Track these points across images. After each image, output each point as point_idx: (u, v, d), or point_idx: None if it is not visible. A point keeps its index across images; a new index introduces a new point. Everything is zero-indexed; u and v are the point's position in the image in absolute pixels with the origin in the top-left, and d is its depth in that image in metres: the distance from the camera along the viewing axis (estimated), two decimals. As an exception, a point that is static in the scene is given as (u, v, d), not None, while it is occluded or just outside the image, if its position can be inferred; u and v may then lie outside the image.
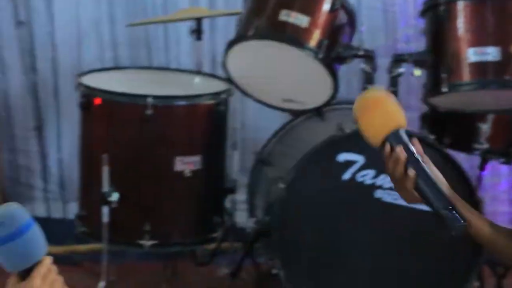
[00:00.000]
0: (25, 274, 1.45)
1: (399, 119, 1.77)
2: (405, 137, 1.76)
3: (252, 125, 4.04)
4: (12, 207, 1.44)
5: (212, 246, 3.50)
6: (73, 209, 3.92)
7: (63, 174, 4.10)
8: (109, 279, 3.38)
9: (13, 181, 4.11)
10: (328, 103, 3.25)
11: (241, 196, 3.62)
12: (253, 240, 3.28)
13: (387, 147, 1.77)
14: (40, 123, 4.05)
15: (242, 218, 3.68)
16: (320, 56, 3.05)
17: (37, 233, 1.44)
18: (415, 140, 1.79)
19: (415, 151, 1.76)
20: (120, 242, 3.28)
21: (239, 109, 3.99)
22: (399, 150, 1.75)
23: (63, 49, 3.97)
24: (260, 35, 3.11)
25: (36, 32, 3.95)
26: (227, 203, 3.45)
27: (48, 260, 1.47)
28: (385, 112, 1.77)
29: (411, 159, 1.74)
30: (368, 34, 3.59)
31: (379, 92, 1.81)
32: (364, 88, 3.09)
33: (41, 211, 4.00)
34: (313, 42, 3.06)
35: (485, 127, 3.23)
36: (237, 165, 3.50)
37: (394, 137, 1.76)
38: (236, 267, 3.34)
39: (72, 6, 3.94)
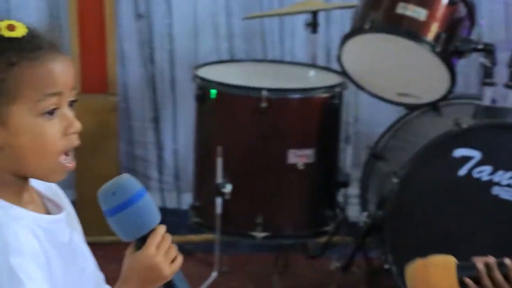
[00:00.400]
0: (141, 243, 1.47)
1: (447, 261, 1.77)
2: (468, 263, 1.78)
3: (365, 119, 4.01)
4: (124, 177, 1.45)
5: (323, 239, 3.50)
6: (187, 200, 3.98)
7: (178, 165, 4.15)
8: (221, 269, 3.41)
9: (130, 172, 4.19)
10: (444, 98, 3.20)
11: (353, 190, 3.60)
12: (365, 234, 3.26)
13: (467, 281, 1.75)
14: (157, 114, 4.11)
15: (354, 212, 3.66)
16: (438, 49, 3.01)
17: (149, 202, 1.45)
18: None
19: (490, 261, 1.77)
20: (232, 233, 3.31)
21: (352, 103, 3.96)
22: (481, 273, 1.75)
23: (180, 41, 4.03)
24: (377, 28, 3.09)
25: (155, 25, 4.01)
26: (340, 197, 3.44)
27: (162, 229, 1.47)
28: (438, 271, 1.77)
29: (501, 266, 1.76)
30: (488, 27, 3.51)
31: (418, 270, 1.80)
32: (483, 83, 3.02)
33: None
34: (430, 35, 3.01)
35: None
36: (350, 159, 3.48)
37: (463, 270, 1.77)
38: (348, 261, 3.33)
39: (190, -1, 4.00)
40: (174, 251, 1.48)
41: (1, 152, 1.40)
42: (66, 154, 1.44)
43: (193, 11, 3.98)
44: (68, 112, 1.43)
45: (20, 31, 1.38)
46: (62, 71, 1.41)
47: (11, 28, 1.38)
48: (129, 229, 1.46)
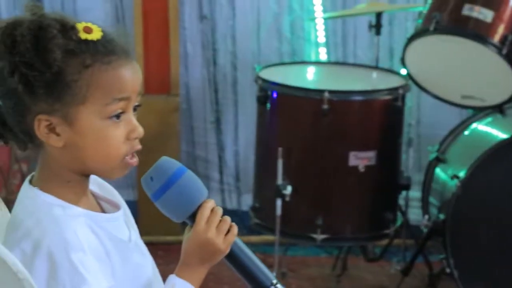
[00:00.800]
0: (192, 222, 1.46)
1: None
2: None
3: (428, 122, 3.97)
4: (160, 160, 1.46)
5: (383, 242, 3.47)
6: (247, 201, 3.99)
7: (239, 166, 4.17)
8: (280, 271, 3.42)
9: (191, 173, 4.22)
10: (510, 100, 3.15)
11: (415, 193, 3.57)
12: (426, 238, 3.23)
13: None
14: (218, 115, 4.14)
15: (415, 215, 3.62)
16: (504, 52, 2.97)
17: (190, 179, 1.45)
18: None
19: None
20: (292, 235, 3.32)
21: (415, 105, 3.93)
22: None
23: (243, 43, 4.04)
24: (442, 30, 3.07)
25: (218, 26, 4.04)
26: (401, 200, 3.41)
27: (210, 203, 1.46)
28: None
29: None
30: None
31: None
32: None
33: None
34: (497, 37, 2.98)
35: None
36: (412, 161, 3.44)
37: None
38: (408, 265, 3.30)
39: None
40: (226, 223, 1.47)
41: (65, 150, 1.42)
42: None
43: (256, 13, 4.00)
44: (133, 117, 1.45)
45: (96, 34, 1.41)
46: (132, 77, 1.43)
47: (87, 30, 1.40)
48: (176, 209, 1.46)
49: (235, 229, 1.48)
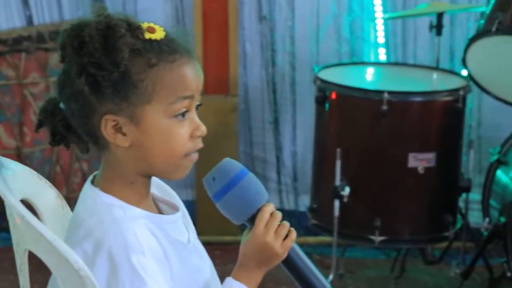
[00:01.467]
0: (251, 225, 1.47)
1: None
2: None
3: (489, 123, 3.91)
4: (222, 162, 1.47)
5: (443, 245, 3.44)
6: (304, 202, 3.99)
7: (296, 167, 4.17)
8: (338, 272, 3.41)
9: (249, 173, 4.22)
10: None
11: (475, 195, 3.52)
12: (487, 241, 3.19)
13: None
14: (277, 116, 4.14)
15: (475, 218, 3.58)
16: None
17: (251, 181, 1.46)
18: None
19: None
20: (350, 236, 3.30)
21: (475, 107, 3.89)
22: None
23: (301, 43, 4.03)
24: (504, 31, 3.03)
25: (277, 27, 4.04)
26: (461, 202, 3.37)
27: (269, 207, 1.47)
28: None
29: None
30: None
31: None
32: None
33: (274, 203, 4.06)
34: (560, 37, 2.92)
35: None
36: (472, 164, 3.40)
37: None
38: (468, 268, 3.26)
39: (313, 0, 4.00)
40: (285, 228, 1.48)
41: (130, 150, 1.43)
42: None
43: (315, 13, 3.99)
44: (196, 116, 1.46)
45: (159, 34, 1.42)
46: (195, 75, 1.44)
47: (151, 30, 1.42)
48: (236, 211, 1.47)
49: (293, 234, 1.48)
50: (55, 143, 1.51)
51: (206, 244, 1.62)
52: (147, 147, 1.43)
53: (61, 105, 1.47)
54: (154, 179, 1.54)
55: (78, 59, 1.39)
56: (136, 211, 1.45)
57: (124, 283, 1.37)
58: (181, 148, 1.44)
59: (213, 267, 1.59)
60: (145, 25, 1.42)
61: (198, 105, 1.47)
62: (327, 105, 3.28)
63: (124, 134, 1.42)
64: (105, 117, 1.42)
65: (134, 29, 1.41)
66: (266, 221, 1.46)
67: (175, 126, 1.43)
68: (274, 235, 1.46)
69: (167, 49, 1.42)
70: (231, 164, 1.47)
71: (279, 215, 1.48)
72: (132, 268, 1.38)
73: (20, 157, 3.72)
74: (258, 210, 1.46)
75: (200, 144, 1.46)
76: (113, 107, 1.41)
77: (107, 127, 1.42)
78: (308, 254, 3.75)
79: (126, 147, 1.43)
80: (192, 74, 1.44)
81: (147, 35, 1.41)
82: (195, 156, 1.47)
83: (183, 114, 1.43)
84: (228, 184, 1.45)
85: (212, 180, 1.46)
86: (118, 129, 1.42)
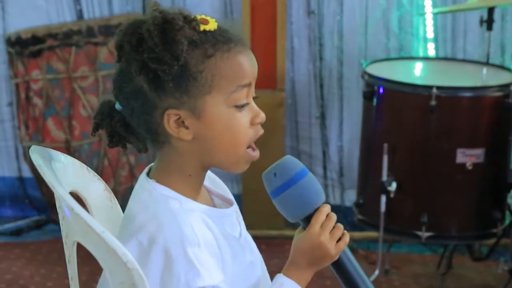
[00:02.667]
0: (306, 223, 1.48)
1: None
2: None
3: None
4: (285, 158, 1.48)
5: (490, 241, 3.41)
6: (350, 197, 3.98)
7: (342, 162, 4.16)
8: (384, 268, 3.40)
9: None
10: None
11: (525, 192, 3.48)
12: (536, 239, 3.15)
13: None
14: (323, 110, 4.13)
15: (524, 214, 3.54)
16: None
17: (311, 181, 1.46)
18: None
19: None
20: (396, 232, 3.29)
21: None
22: None
23: (350, 38, 4.02)
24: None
25: (325, 21, 4.03)
26: (509, 199, 3.34)
27: (326, 208, 1.48)
28: None
29: None
30: None
31: None
32: None
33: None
34: None
35: None
36: (522, 160, 3.36)
37: None
38: (516, 265, 3.23)
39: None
40: (339, 230, 1.48)
41: (193, 143, 1.44)
42: (250, 146, 1.48)
43: (364, 8, 3.97)
44: (253, 104, 1.47)
45: (212, 25, 1.43)
46: (251, 63, 1.46)
47: (205, 22, 1.43)
48: (293, 209, 1.47)
49: (347, 237, 1.49)
50: (113, 145, 1.52)
51: (252, 238, 1.63)
52: (210, 139, 1.44)
53: (117, 106, 1.48)
54: (209, 172, 1.55)
55: (137, 56, 1.40)
56: (192, 204, 1.46)
57: (179, 275, 1.38)
58: (244, 136, 1.45)
59: (263, 263, 1.60)
60: (198, 17, 1.44)
61: (254, 98, 1.48)
62: (374, 100, 3.27)
63: (187, 128, 1.43)
64: (167, 112, 1.42)
65: (190, 21, 1.42)
66: (322, 222, 1.47)
67: (236, 115, 1.44)
68: (329, 236, 1.47)
69: (222, 39, 1.43)
70: (293, 162, 1.47)
71: (334, 217, 1.49)
72: (188, 260, 1.38)
73: (69, 150, 3.76)
74: (315, 210, 1.47)
75: (261, 131, 1.48)
76: (174, 102, 1.42)
77: (170, 122, 1.43)
78: (354, 249, 3.76)
79: (189, 140, 1.44)
80: (248, 62, 1.45)
81: (202, 27, 1.42)
82: (256, 154, 1.48)
83: (242, 106, 1.44)
84: (288, 181, 1.45)
85: (273, 176, 1.46)
86: (180, 123, 1.43)
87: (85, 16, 4.05)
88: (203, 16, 1.44)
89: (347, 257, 1.50)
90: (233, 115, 1.44)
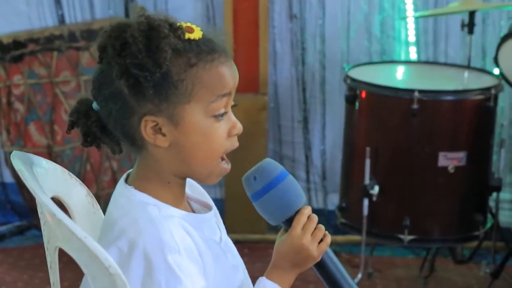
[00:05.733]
0: (287, 226, 1.49)
1: None
2: None
3: (521, 123, 3.89)
4: (264, 161, 1.48)
5: (473, 244, 3.42)
6: (333, 200, 3.99)
7: (325, 166, 4.16)
8: (367, 271, 3.40)
9: (278, 171, 4.22)
10: None
11: (506, 195, 3.50)
12: (517, 241, 3.17)
13: None
14: (306, 114, 4.14)
15: (506, 217, 3.57)
16: None
17: (291, 183, 1.47)
18: None
19: None
20: (379, 235, 3.30)
21: (507, 105, 3.86)
22: None
23: (332, 42, 4.03)
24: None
25: (307, 25, 4.04)
26: (491, 202, 3.35)
27: (307, 210, 1.48)
28: None
29: None
30: None
31: None
32: None
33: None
34: None
35: None
36: (503, 163, 3.38)
37: None
38: (498, 268, 3.25)
39: (344, -1, 4.00)
40: (321, 231, 1.49)
41: (169, 150, 1.44)
42: (223, 158, 1.48)
43: (346, 12, 3.98)
44: (232, 115, 1.47)
45: (197, 34, 1.43)
46: (232, 73, 1.45)
47: (190, 30, 1.43)
48: (274, 212, 1.48)
49: (328, 238, 1.50)
50: (87, 144, 1.51)
51: (234, 243, 1.62)
52: (186, 147, 1.44)
53: (95, 105, 1.47)
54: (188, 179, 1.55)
55: (120, 60, 1.39)
56: (171, 210, 1.46)
57: (159, 282, 1.38)
58: (219, 147, 1.45)
59: (244, 267, 1.60)
60: (183, 25, 1.43)
61: (233, 106, 1.48)
62: (357, 104, 3.28)
63: (163, 135, 1.43)
64: (145, 118, 1.42)
65: (175, 29, 1.41)
66: (303, 224, 1.48)
67: (214, 125, 1.44)
68: (311, 237, 1.47)
69: (206, 49, 1.42)
70: (273, 165, 1.48)
71: (315, 218, 1.49)
72: (168, 267, 1.38)
73: (51, 155, 3.74)
74: (296, 212, 1.48)
75: (236, 143, 1.48)
76: (153, 108, 1.41)
77: (147, 128, 1.43)
78: (337, 253, 3.76)
79: (165, 147, 1.44)
80: (229, 73, 1.44)
81: (187, 35, 1.42)
82: (228, 167, 1.48)
83: (222, 115, 1.44)
84: (268, 184, 1.45)
85: (253, 180, 1.46)
86: (157, 130, 1.43)
87: (67, 20, 4.04)
88: (189, 24, 1.44)
89: (329, 258, 1.50)
90: (211, 125, 1.43)
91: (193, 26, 1.43)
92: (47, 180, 1.55)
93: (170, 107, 1.41)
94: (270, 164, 1.48)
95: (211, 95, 1.42)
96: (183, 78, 1.40)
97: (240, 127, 1.47)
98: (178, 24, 1.42)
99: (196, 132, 1.43)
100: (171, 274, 1.38)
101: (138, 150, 1.47)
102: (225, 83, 1.43)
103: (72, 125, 1.51)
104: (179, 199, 1.50)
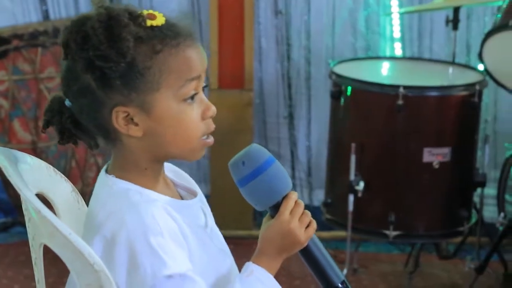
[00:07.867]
0: (274, 212, 1.49)
1: None
2: None
3: (505, 118, 3.90)
4: (252, 147, 1.48)
5: (457, 239, 3.43)
6: (318, 196, 3.99)
7: (311, 162, 4.17)
8: (352, 266, 3.41)
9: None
10: None
11: (490, 190, 3.52)
12: (502, 236, 3.18)
13: None
14: (292, 110, 4.14)
15: (490, 213, 3.57)
16: None
17: (278, 169, 1.47)
18: None
19: None
20: (364, 231, 3.30)
21: (491, 101, 3.87)
22: None
23: (317, 38, 4.03)
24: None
25: (293, 21, 4.04)
26: (475, 197, 3.37)
27: (294, 195, 1.48)
28: None
29: None
30: None
31: None
32: None
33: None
34: None
35: None
36: (487, 158, 3.39)
37: None
38: (482, 263, 3.26)
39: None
40: (308, 217, 1.49)
41: (144, 138, 1.44)
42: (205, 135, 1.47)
43: (331, 8, 3.98)
44: (204, 97, 1.47)
45: (160, 20, 1.42)
46: (200, 56, 1.45)
47: (151, 17, 1.42)
48: (262, 197, 1.48)
49: (314, 223, 1.50)
50: (64, 141, 1.51)
51: (220, 236, 1.62)
52: (160, 135, 1.44)
53: (67, 102, 1.47)
54: (169, 165, 1.55)
55: (82, 54, 1.39)
56: (153, 195, 1.46)
57: (144, 265, 1.38)
58: (195, 131, 1.45)
59: (231, 256, 1.60)
60: (144, 12, 1.43)
61: (204, 86, 1.48)
62: (342, 100, 3.28)
63: (136, 124, 1.43)
64: (115, 109, 1.42)
65: (135, 17, 1.41)
66: (291, 208, 1.48)
67: (186, 109, 1.43)
68: (298, 222, 1.47)
69: (170, 34, 1.42)
70: (261, 150, 1.48)
71: (302, 203, 1.50)
72: (152, 250, 1.38)
73: (35, 152, 3.73)
74: (283, 198, 1.48)
75: (212, 125, 1.47)
76: (122, 99, 1.41)
77: (118, 119, 1.42)
78: (323, 249, 3.71)
79: (139, 137, 1.44)
80: (197, 56, 1.44)
81: (149, 22, 1.41)
82: (210, 141, 1.48)
83: (192, 97, 1.44)
84: (257, 169, 1.45)
85: (242, 165, 1.46)
86: (129, 120, 1.43)
87: (51, 16, 4.03)
88: (150, 11, 1.43)
89: (315, 244, 1.50)
90: (183, 110, 1.43)
91: (155, 13, 1.43)
92: (32, 176, 1.54)
93: (139, 96, 1.41)
94: (258, 149, 1.48)
95: (180, 80, 1.42)
96: (149, 65, 1.40)
97: (213, 109, 1.46)
98: (139, 12, 1.42)
99: (169, 119, 1.43)
100: (155, 257, 1.38)
101: (113, 143, 1.47)
102: (192, 67, 1.43)
103: (47, 124, 1.51)
104: (158, 184, 1.50)
